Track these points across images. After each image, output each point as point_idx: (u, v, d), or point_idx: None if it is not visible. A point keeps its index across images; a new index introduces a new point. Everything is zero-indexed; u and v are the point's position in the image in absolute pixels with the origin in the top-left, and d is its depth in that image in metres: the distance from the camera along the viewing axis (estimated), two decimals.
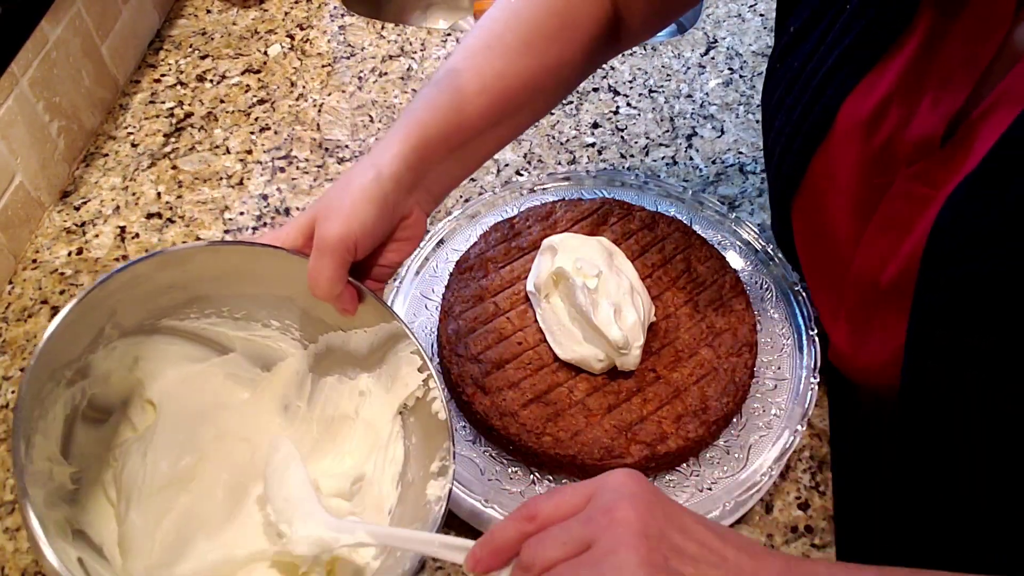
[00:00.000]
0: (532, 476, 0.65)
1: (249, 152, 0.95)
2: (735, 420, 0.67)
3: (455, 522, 0.67)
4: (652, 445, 0.63)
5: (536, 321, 0.69)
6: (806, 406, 0.66)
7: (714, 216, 0.80)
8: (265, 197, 0.91)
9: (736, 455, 0.65)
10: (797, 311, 0.72)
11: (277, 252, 0.60)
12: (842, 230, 0.63)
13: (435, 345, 0.71)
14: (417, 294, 0.75)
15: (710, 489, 0.63)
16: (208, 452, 0.64)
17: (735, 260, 0.76)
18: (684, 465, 0.65)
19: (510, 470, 0.65)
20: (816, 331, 0.70)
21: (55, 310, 0.81)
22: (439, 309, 0.72)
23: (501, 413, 0.64)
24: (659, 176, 0.84)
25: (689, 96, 0.99)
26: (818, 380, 0.67)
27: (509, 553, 0.46)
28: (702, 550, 0.44)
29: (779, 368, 0.70)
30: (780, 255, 0.75)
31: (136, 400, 0.66)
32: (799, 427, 0.65)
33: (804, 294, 0.73)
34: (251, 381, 0.67)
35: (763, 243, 0.77)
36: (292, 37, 1.08)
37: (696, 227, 0.77)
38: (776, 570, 0.45)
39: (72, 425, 0.61)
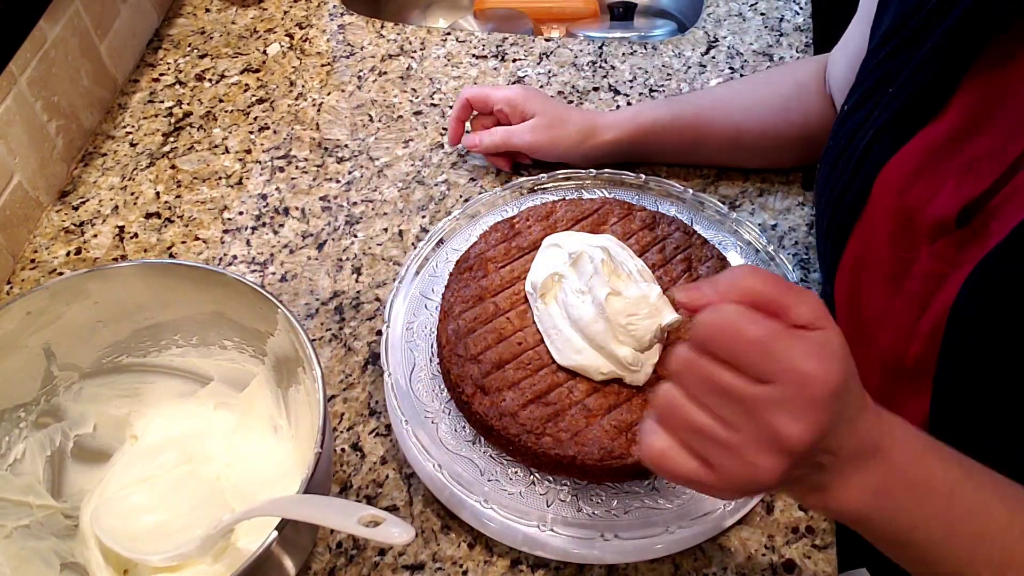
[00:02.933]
0: (532, 477, 0.65)
1: (248, 151, 0.95)
2: None
3: (455, 522, 0.67)
4: None
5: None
6: None
7: (715, 216, 0.80)
8: (264, 197, 0.91)
9: None
10: None
11: (176, 267, 0.65)
12: (871, 306, 0.64)
13: (434, 345, 0.71)
14: (417, 294, 0.75)
15: None
16: (161, 477, 0.67)
17: (736, 260, 0.76)
18: None
19: (510, 471, 0.65)
20: None
21: None
22: (439, 309, 0.72)
23: (501, 414, 0.64)
24: (659, 176, 0.84)
25: None
26: None
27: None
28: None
29: None
30: (781, 255, 0.75)
31: (127, 438, 0.70)
32: None
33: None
34: (236, 406, 0.69)
35: (764, 243, 0.77)
36: (291, 36, 1.08)
37: (697, 227, 0.77)
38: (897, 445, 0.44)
39: (62, 465, 0.64)
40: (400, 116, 0.98)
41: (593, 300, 0.64)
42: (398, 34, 1.08)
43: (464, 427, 0.67)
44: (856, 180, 0.63)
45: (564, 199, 0.78)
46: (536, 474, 0.65)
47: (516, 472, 0.65)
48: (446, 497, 0.66)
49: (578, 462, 0.62)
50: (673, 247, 0.74)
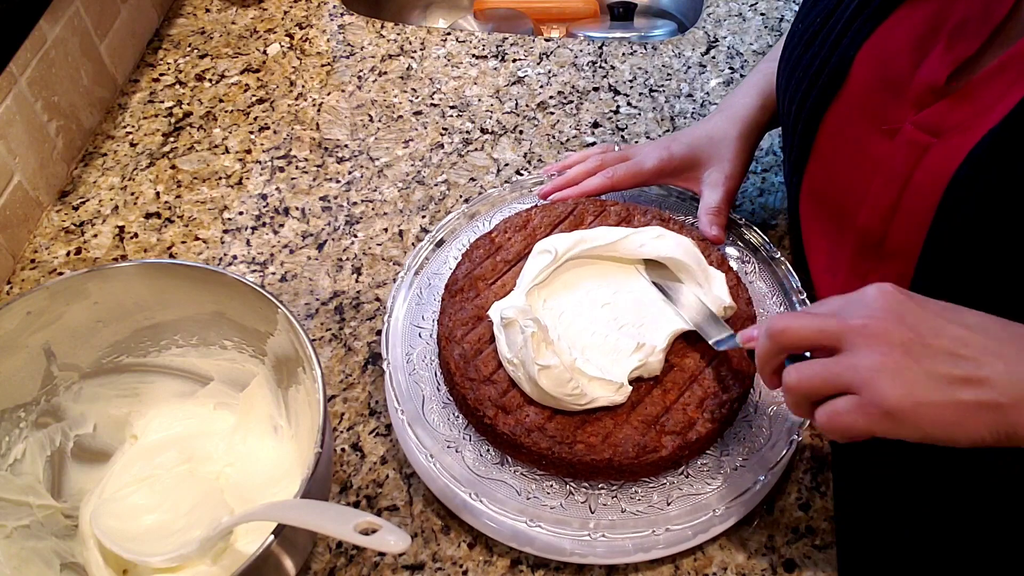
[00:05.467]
0: (568, 487, 0.64)
1: (248, 151, 0.95)
2: (750, 397, 0.68)
3: (455, 522, 0.66)
4: (683, 433, 0.63)
5: None
6: None
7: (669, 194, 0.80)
8: (264, 197, 0.91)
9: (760, 425, 0.66)
10: (797, 308, 0.72)
11: (176, 267, 0.65)
12: (847, 188, 0.63)
13: (439, 374, 0.69)
14: (407, 324, 0.73)
15: (743, 466, 0.64)
16: (160, 476, 0.67)
17: (736, 261, 0.76)
18: (712, 448, 0.65)
19: (545, 484, 0.64)
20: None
21: None
22: (434, 337, 0.71)
23: (528, 430, 0.63)
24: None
25: (690, 95, 0.99)
26: None
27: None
28: (956, 344, 0.46)
29: None
30: (780, 255, 0.75)
31: (127, 438, 0.70)
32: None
33: (804, 293, 0.72)
34: (236, 406, 0.69)
35: (764, 244, 0.77)
36: (291, 36, 1.08)
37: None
38: None
39: (62, 465, 0.64)
40: (400, 116, 0.98)
41: (525, 374, 0.64)
42: (398, 34, 1.08)
43: (488, 450, 0.66)
44: (833, 58, 0.62)
45: (536, 206, 0.77)
46: (572, 483, 0.64)
47: (552, 485, 0.64)
48: (447, 497, 0.66)
49: (615, 463, 0.62)
50: (654, 237, 0.73)
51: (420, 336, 0.72)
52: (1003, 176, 0.50)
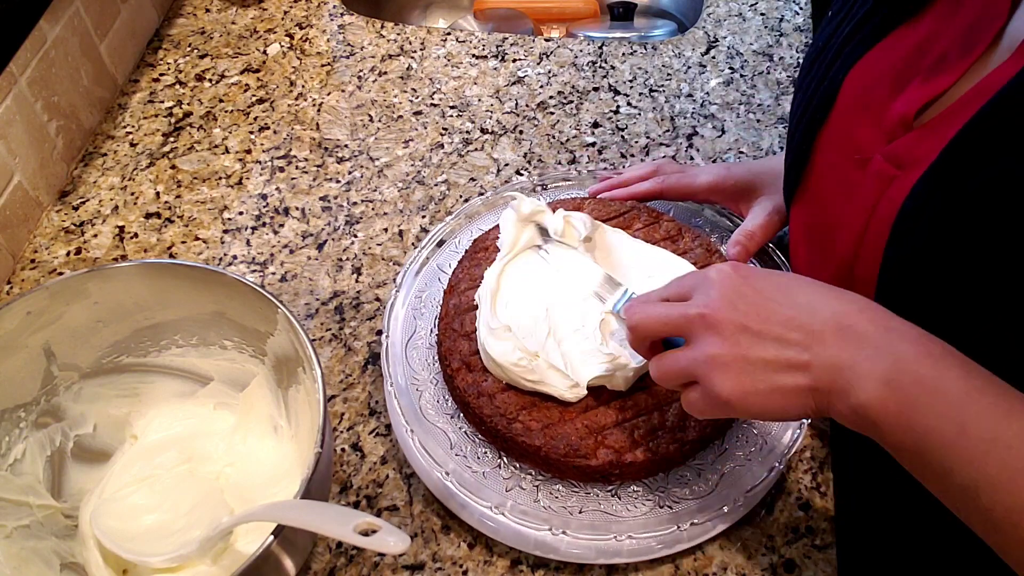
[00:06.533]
0: (499, 461, 0.65)
1: (248, 152, 0.95)
2: (715, 445, 0.66)
3: (455, 522, 0.66)
4: (620, 452, 0.62)
5: None
6: None
7: (714, 216, 0.80)
8: (264, 197, 0.91)
9: (708, 478, 0.64)
10: None
11: (176, 267, 0.65)
12: (831, 212, 0.63)
13: (437, 318, 0.72)
14: (434, 266, 0.76)
15: (670, 507, 0.63)
16: (161, 476, 0.67)
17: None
18: (652, 479, 0.64)
19: (480, 451, 0.66)
20: None
21: None
22: (434, 344, 0.72)
23: (479, 393, 0.65)
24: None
25: (690, 95, 0.99)
26: None
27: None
28: (783, 329, 0.50)
29: None
30: (779, 254, 0.75)
31: (127, 438, 0.70)
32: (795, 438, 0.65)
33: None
34: (236, 406, 0.69)
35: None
36: (291, 36, 1.08)
37: (697, 227, 0.77)
38: (884, 361, 0.47)
39: (62, 465, 0.64)
40: (400, 116, 0.98)
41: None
42: (398, 34, 1.08)
43: (447, 399, 0.68)
44: (827, 79, 0.62)
45: (595, 198, 0.78)
46: (504, 459, 0.65)
47: (486, 453, 0.66)
48: (447, 498, 0.66)
49: (543, 453, 0.63)
50: (691, 263, 0.72)
51: (439, 280, 0.74)
52: (940, 211, 0.51)
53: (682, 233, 0.75)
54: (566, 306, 0.68)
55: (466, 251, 0.75)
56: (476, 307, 0.69)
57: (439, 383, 0.69)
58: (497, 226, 0.74)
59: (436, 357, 0.71)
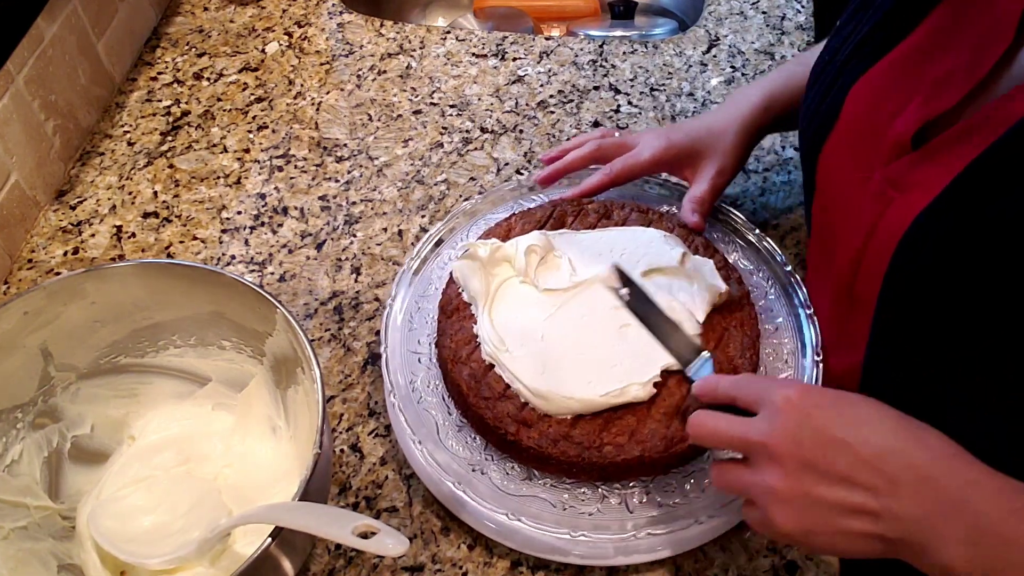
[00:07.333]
0: (601, 490, 0.63)
1: (247, 151, 0.95)
2: None
3: (455, 524, 0.66)
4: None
5: None
6: None
7: (715, 214, 0.79)
8: (263, 196, 0.90)
9: (708, 478, 0.64)
10: (799, 305, 0.71)
11: (174, 267, 0.65)
12: (833, 229, 0.63)
13: (447, 398, 0.68)
14: (406, 351, 0.71)
15: (671, 507, 0.62)
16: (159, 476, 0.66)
17: (736, 259, 0.76)
18: (653, 479, 0.64)
19: (578, 492, 0.63)
20: (811, 310, 0.70)
21: None
22: (435, 361, 0.70)
23: (553, 440, 0.62)
24: (660, 175, 0.84)
25: (691, 94, 0.98)
26: (821, 367, 0.67)
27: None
28: (853, 471, 0.46)
29: (785, 362, 0.69)
30: (779, 254, 0.75)
31: (125, 439, 0.70)
32: None
33: (803, 290, 0.72)
34: (234, 407, 0.69)
35: (764, 243, 0.76)
36: (290, 35, 1.08)
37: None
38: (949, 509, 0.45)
39: (59, 466, 0.64)
40: (399, 115, 0.98)
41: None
42: (397, 33, 1.07)
43: (513, 467, 0.64)
44: (830, 95, 0.62)
45: (515, 213, 0.77)
46: (604, 487, 0.63)
47: (584, 492, 0.63)
48: (447, 499, 0.65)
49: (646, 459, 0.61)
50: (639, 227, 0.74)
51: (420, 362, 0.70)
52: (949, 238, 0.51)
53: (610, 208, 0.76)
54: (577, 327, 0.67)
55: (439, 320, 0.70)
56: (492, 367, 0.66)
57: (494, 458, 0.65)
58: (450, 283, 0.71)
59: (436, 357, 0.70)
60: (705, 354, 0.59)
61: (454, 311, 0.70)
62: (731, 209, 0.78)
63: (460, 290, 0.70)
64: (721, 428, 0.52)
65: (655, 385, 0.64)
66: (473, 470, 0.64)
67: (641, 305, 0.60)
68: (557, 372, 0.64)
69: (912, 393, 0.53)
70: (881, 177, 0.56)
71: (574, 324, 0.67)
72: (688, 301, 0.68)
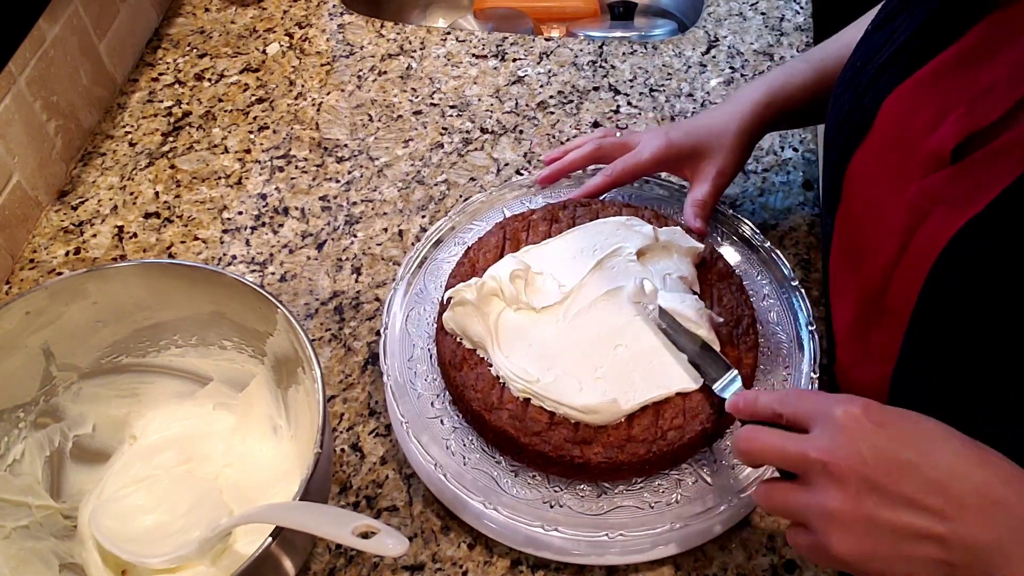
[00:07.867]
0: (499, 460, 0.65)
1: (248, 151, 0.95)
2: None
3: (455, 523, 0.66)
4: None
5: None
6: None
7: (715, 215, 0.79)
8: (264, 196, 0.91)
9: (708, 477, 0.64)
10: (799, 308, 0.72)
11: (175, 267, 0.65)
12: (861, 239, 0.63)
13: (448, 402, 0.68)
14: (433, 266, 0.75)
15: (669, 506, 0.63)
16: (161, 476, 0.67)
17: (736, 259, 0.76)
18: (649, 478, 0.64)
19: (479, 449, 0.65)
20: (815, 327, 0.70)
21: None
22: (434, 363, 0.70)
23: (619, 447, 0.62)
24: (660, 175, 0.84)
25: (690, 95, 0.99)
26: (818, 376, 0.67)
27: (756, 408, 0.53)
28: (919, 492, 0.44)
29: (787, 367, 0.69)
30: (778, 253, 0.75)
31: (126, 438, 0.70)
32: None
33: (804, 293, 0.72)
34: (235, 406, 0.69)
35: (764, 242, 0.76)
36: (291, 36, 1.08)
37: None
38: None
39: (61, 466, 0.64)
40: (400, 116, 0.98)
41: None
42: (398, 33, 1.08)
43: (447, 398, 0.67)
44: (862, 103, 0.61)
45: (469, 247, 0.75)
46: (503, 458, 0.65)
47: (485, 452, 0.65)
48: (447, 498, 0.66)
49: (708, 430, 0.62)
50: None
51: (417, 339, 0.72)
52: (983, 261, 0.50)
53: (555, 213, 0.76)
54: (580, 338, 0.67)
55: (449, 374, 0.68)
56: (528, 401, 0.65)
57: (438, 383, 0.68)
58: (443, 339, 0.69)
59: (434, 358, 0.70)
60: (733, 372, 0.59)
61: (462, 363, 0.67)
62: (742, 217, 0.79)
63: (459, 340, 0.68)
64: (775, 444, 0.49)
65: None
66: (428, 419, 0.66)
67: (665, 320, 0.64)
68: (597, 384, 0.64)
69: (944, 408, 0.51)
70: (917, 189, 0.55)
71: (587, 333, 0.67)
72: (682, 272, 0.70)
